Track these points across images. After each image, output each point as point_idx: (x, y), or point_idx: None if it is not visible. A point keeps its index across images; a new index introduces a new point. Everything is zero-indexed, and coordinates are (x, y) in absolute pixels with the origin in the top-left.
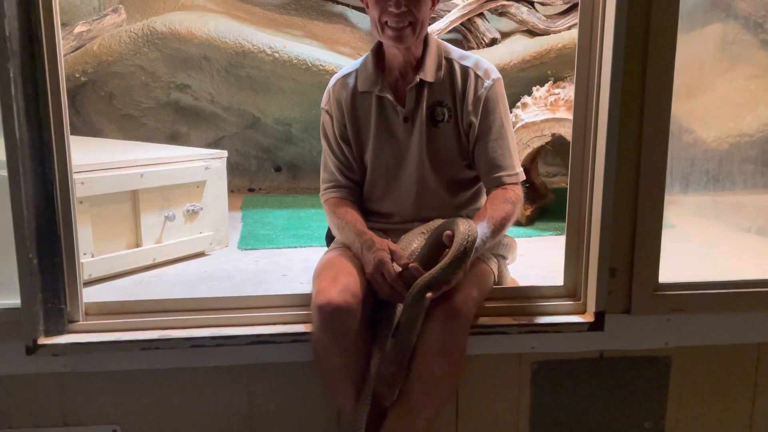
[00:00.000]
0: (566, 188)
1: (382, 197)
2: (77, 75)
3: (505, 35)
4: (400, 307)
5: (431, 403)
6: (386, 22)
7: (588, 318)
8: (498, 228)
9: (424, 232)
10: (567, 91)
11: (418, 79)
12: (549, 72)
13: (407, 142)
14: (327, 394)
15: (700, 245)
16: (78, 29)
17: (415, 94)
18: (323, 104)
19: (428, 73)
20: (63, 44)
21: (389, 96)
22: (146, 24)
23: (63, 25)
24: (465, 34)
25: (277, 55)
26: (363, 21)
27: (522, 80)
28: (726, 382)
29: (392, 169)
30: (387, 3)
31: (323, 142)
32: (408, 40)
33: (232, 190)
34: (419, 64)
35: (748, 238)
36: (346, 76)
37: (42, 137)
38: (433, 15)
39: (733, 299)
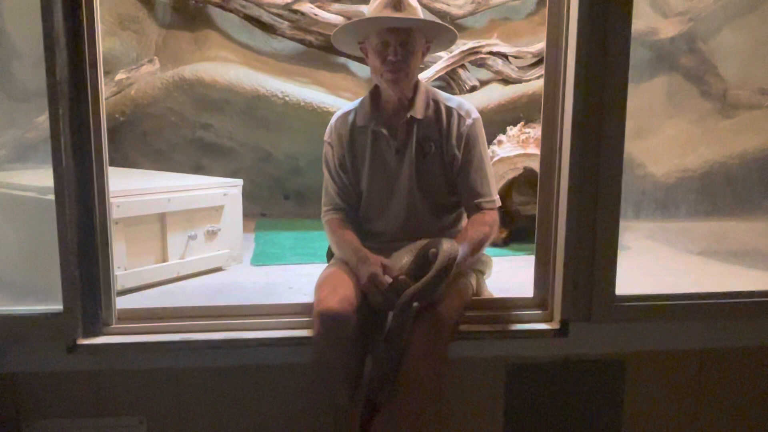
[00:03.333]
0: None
1: (376, 219)
2: (117, 115)
3: (483, 83)
4: (390, 316)
5: (417, 401)
6: (387, 69)
7: (554, 326)
8: (477, 247)
9: (412, 250)
10: (536, 131)
11: (409, 117)
12: (521, 114)
13: (398, 171)
14: (325, 392)
15: (651, 264)
16: (118, 77)
17: (406, 129)
18: (326, 137)
19: (418, 111)
20: (105, 89)
21: (383, 130)
22: (176, 72)
23: (105, 73)
24: (449, 82)
25: (287, 98)
26: (362, 70)
27: (498, 121)
28: (674, 382)
29: (385, 194)
30: (385, 53)
31: (325, 170)
32: (402, 83)
33: (246, 215)
34: (410, 103)
35: (692, 258)
36: (347, 113)
37: (85, 167)
38: (422, 65)
39: (679, 310)
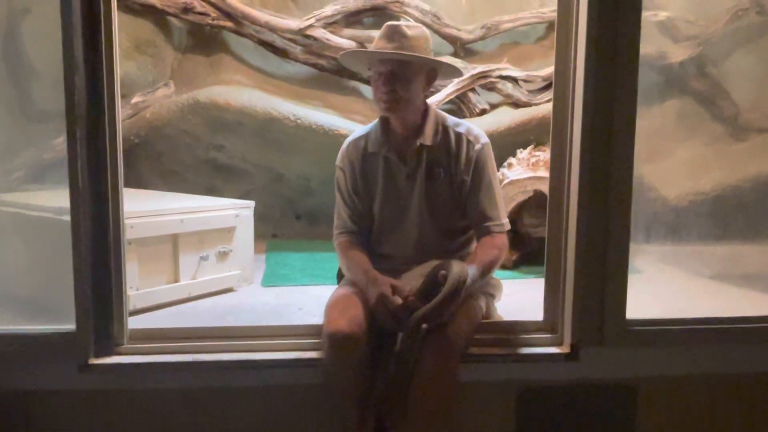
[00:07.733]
0: None
1: (386, 241)
2: (132, 137)
3: (493, 106)
4: (399, 337)
5: (426, 422)
6: (380, 98)
7: (565, 350)
8: (486, 270)
9: (422, 272)
10: (546, 154)
11: (418, 143)
12: (531, 137)
13: (409, 196)
14: (334, 413)
15: (663, 288)
16: (134, 100)
17: (416, 155)
18: (338, 162)
19: (427, 138)
20: (121, 112)
21: (394, 156)
22: (191, 96)
23: (122, 96)
24: (459, 105)
25: (299, 121)
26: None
27: (508, 144)
28: (686, 408)
29: (396, 218)
30: (378, 83)
31: (337, 194)
32: (397, 112)
33: (258, 235)
34: (420, 130)
35: (704, 282)
36: (358, 139)
37: (100, 188)
38: (432, 89)
39: (691, 335)
